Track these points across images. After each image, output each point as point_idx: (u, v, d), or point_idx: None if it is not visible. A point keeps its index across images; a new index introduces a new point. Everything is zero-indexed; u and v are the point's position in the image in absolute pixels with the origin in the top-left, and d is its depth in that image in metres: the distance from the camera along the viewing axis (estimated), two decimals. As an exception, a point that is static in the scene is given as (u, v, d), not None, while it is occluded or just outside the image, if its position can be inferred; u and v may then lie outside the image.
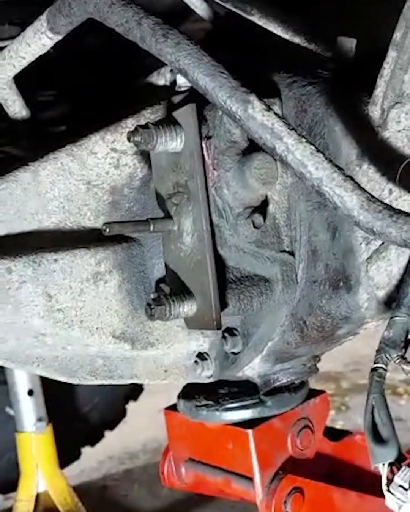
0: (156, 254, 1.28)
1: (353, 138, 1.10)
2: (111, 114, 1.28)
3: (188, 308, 1.17)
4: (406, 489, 1.02)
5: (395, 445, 1.05)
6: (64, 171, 1.23)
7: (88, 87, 1.95)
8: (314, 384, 1.61)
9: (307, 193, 1.18)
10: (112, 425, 3.72)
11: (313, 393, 1.56)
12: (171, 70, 1.33)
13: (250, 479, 1.45)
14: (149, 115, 1.27)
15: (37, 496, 3.03)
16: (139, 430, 4.65)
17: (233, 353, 1.32)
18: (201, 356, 1.38)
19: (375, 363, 1.10)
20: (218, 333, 1.33)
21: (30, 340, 1.23)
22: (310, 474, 1.49)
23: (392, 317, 1.11)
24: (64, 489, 3.08)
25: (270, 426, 1.47)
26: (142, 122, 1.22)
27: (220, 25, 1.53)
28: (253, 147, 1.15)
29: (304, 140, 0.90)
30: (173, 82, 1.31)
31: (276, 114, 0.92)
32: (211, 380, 1.41)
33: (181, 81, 1.26)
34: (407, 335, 1.10)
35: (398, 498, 1.02)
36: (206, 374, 1.39)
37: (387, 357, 1.09)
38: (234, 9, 1.33)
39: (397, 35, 1.01)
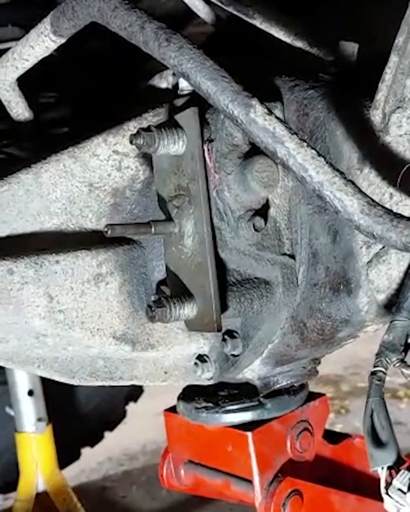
0: (158, 256, 1.28)
1: (354, 142, 1.10)
2: (113, 116, 1.29)
3: (188, 310, 1.18)
4: (404, 493, 1.02)
5: (394, 448, 1.05)
6: (66, 173, 1.23)
7: (91, 89, 1.96)
8: (314, 387, 1.61)
9: (308, 196, 1.19)
10: (112, 426, 3.72)
11: (313, 396, 1.57)
12: (173, 74, 1.34)
13: (249, 481, 1.45)
14: (151, 118, 1.27)
15: (37, 496, 3.03)
16: (139, 431, 4.66)
17: (233, 355, 1.33)
18: (201, 358, 1.38)
19: (374, 366, 1.10)
20: (218, 336, 1.34)
21: (31, 341, 1.23)
22: (309, 477, 1.49)
23: (392, 321, 1.11)
24: (64, 489, 3.09)
25: (270, 428, 1.47)
26: (145, 125, 1.22)
27: (222, 29, 1.54)
28: (254, 151, 1.16)
29: (305, 144, 0.91)
30: (176, 85, 1.31)
31: (277, 118, 0.92)
32: (211, 382, 1.42)
33: (183, 84, 1.26)
34: (407, 339, 1.11)
35: (397, 501, 1.02)
36: (205, 376, 1.39)
37: (386, 361, 1.09)
38: (236, 13, 1.33)
39: (399, 40, 1.01)
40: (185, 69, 0.95)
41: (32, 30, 1.22)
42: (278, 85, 1.21)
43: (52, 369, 1.33)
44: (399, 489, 1.02)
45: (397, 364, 1.09)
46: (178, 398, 1.56)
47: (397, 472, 1.04)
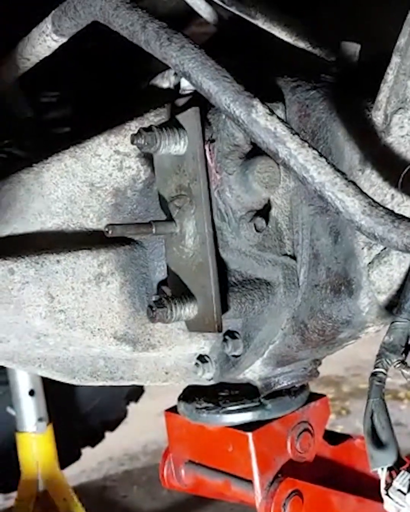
0: (159, 256, 1.28)
1: (356, 143, 1.10)
2: (115, 116, 1.29)
3: (189, 310, 1.18)
4: (404, 493, 1.02)
5: (394, 449, 1.05)
6: (68, 173, 1.23)
7: (92, 89, 1.96)
8: (315, 388, 1.61)
9: (309, 197, 1.19)
10: (112, 426, 3.72)
11: (313, 397, 1.57)
12: (175, 73, 1.33)
13: (250, 481, 1.45)
14: (153, 118, 1.27)
15: (37, 496, 3.03)
16: (140, 431, 4.66)
17: (234, 356, 1.33)
18: (202, 358, 1.38)
19: (375, 367, 1.10)
20: (219, 336, 1.34)
21: (32, 341, 1.23)
22: (309, 477, 1.49)
23: (393, 322, 1.11)
24: (64, 489, 3.09)
25: (270, 429, 1.47)
26: (146, 124, 1.22)
27: (224, 29, 1.54)
28: (256, 151, 1.15)
29: (306, 144, 0.91)
30: (177, 85, 1.31)
31: (279, 118, 0.92)
32: (212, 382, 1.42)
33: (185, 84, 1.26)
34: (407, 340, 1.11)
35: (397, 502, 1.02)
36: (206, 377, 1.39)
37: (387, 362, 1.09)
38: (238, 13, 1.33)
39: (401, 41, 1.01)
40: (187, 68, 0.95)
41: (34, 29, 1.22)
42: (280, 85, 1.21)
43: (53, 369, 1.33)
44: (399, 490, 1.02)
45: (398, 365, 1.09)
46: (179, 399, 1.56)
47: (397, 473, 1.04)
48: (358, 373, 5.58)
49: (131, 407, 3.76)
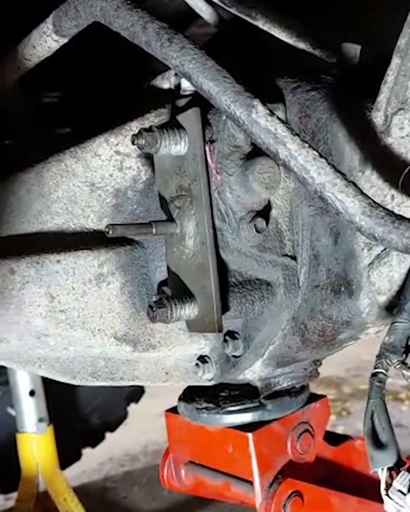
0: (159, 256, 1.28)
1: (356, 144, 1.10)
2: (115, 116, 1.29)
3: (190, 311, 1.18)
4: (404, 494, 1.02)
5: (394, 450, 1.05)
6: (68, 173, 1.23)
7: (93, 89, 1.96)
8: (315, 389, 1.61)
9: (309, 198, 1.19)
10: (113, 427, 3.72)
11: (314, 398, 1.57)
12: (175, 74, 1.34)
13: (250, 482, 1.45)
14: (153, 118, 1.27)
15: (38, 497, 3.03)
16: (140, 432, 4.66)
17: (234, 356, 1.33)
18: (202, 359, 1.38)
19: (375, 368, 1.10)
20: (219, 336, 1.34)
21: (32, 341, 1.23)
22: (310, 478, 1.49)
23: (393, 323, 1.11)
24: (64, 490, 3.09)
25: (270, 429, 1.47)
26: (147, 125, 1.22)
27: (224, 30, 1.54)
28: (256, 152, 1.15)
29: (307, 145, 0.91)
30: (178, 86, 1.31)
31: (279, 119, 0.92)
32: (212, 383, 1.42)
33: (185, 84, 1.26)
34: (408, 341, 1.11)
35: (397, 503, 1.02)
36: (206, 377, 1.39)
37: (387, 363, 1.10)
38: (238, 14, 1.33)
39: (401, 42, 1.01)
40: (187, 69, 0.95)
41: (34, 30, 1.22)
42: (280, 86, 1.21)
43: (54, 369, 1.33)
44: (399, 491, 1.02)
45: (398, 366, 1.10)
46: (179, 399, 1.56)
47: (397, 474, 1.04)
48: (359, 374, 5.58)
49: (132, 408, 3.76)
